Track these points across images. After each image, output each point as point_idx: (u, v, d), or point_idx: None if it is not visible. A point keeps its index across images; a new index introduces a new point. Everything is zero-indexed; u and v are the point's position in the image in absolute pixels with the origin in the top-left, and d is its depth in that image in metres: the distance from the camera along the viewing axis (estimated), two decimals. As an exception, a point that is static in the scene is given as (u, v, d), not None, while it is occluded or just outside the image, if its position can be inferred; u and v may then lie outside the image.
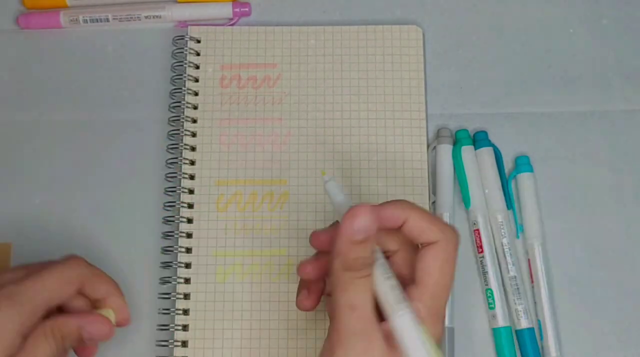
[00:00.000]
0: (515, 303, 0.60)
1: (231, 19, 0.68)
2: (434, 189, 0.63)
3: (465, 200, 0.62)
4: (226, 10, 0.68)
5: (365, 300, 0.47)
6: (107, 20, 0.68)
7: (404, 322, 0.47)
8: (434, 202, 0.62)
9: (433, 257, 0.48)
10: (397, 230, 0.50)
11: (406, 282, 0.49)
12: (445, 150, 0.63)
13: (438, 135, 0.64)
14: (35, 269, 0.52)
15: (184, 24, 0.68)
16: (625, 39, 0.67)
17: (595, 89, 0.66)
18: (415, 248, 0.51)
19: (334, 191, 0.51)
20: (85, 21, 0.68)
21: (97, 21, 0.68)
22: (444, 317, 0.49)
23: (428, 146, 0.64)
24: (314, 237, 0.53)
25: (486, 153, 0.63)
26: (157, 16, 0.68)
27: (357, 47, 0.67)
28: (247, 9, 0.68)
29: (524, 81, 0.66)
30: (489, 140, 0.64)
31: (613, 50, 0.67)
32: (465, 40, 0.68)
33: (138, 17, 0.68)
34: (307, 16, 0.69)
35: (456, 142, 0.64)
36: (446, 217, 0.61)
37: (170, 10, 0.68)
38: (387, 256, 0.51)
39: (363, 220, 0.47)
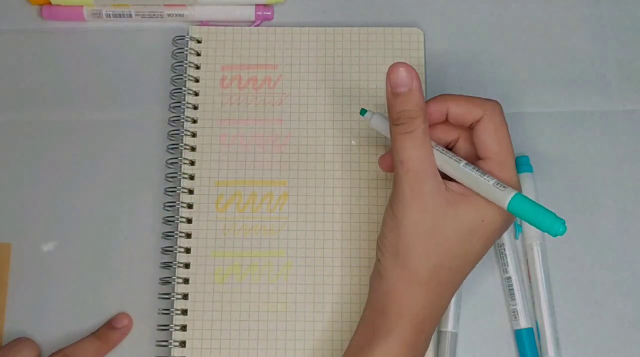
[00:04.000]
0: (509, 304, 0.60)
1: (253, 22, 0.68)
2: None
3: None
4: (249, 13, 0.68)
5: (412, 156, 0.51)
6: (130, 16, 0.68)
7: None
8: None
9: (483, 131, 0.53)
10: (448, 121, 0.55)
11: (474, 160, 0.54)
12: None
13: None
14: None
15: (206, 23, 0.68)
16: (625, 39, 0.67)
17: (595, 89, 0.66)
18: (469, 131, 0.55)
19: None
20: (108, 15, 0.68)
21: (120, 16, 0.68)
22: (514, 170, 0.53)
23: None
24: (380, 160, 0.60)
25: None
26: (179, 15, 0.68)
27: (358, 49, 0.67)
28: (269, 13, 0.68)
29: (524, 81, 0.66)
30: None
31: (613, 50, 0.67)
32: (465, 41, 0.68)
33: (160, 15, 0.68)
34: (307, 17, 0.69)
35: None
36: None
37: (192, 9, 0.68)
38: (451, 147, 0.57)
39: (402, 72, 0.52)
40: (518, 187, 0.52)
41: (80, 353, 0.59)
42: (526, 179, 0.63)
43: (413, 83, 0.52)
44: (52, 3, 0.68)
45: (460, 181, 0.52)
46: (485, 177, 0.51)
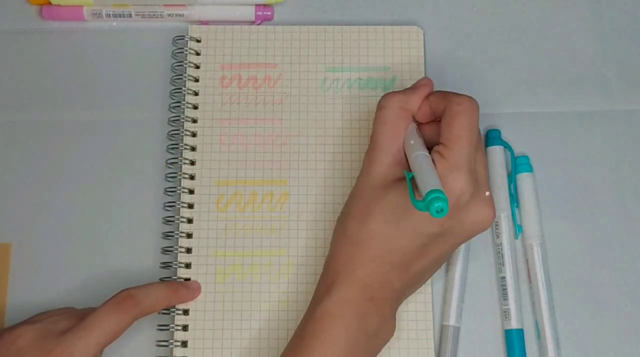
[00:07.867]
0: (502, 304, 0.60)
1: (253, 22, 0.68)
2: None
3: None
4: (249, 13, 0.68)
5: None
6: (130, 16, 0.68)
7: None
8: None
9: (442, 119, 0.55)
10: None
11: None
12: None
13: None
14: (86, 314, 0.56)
15: (206, 23, 0.68)
16: (625, 39, 0.67)
17: (595, 89, 0.66)
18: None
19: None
20: (108, 15, 0.68)
21: (120, 16, 0.68)
22: (467, 170, 0.53)
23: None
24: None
25: (496, 151, 0.63)
26: (179, 14, 0.68)
27: (357, 48, 0.67)
28: (269, 13, 0.68)
29: (524, 81, 0.67)
30: (502, 139, 0.64)
31: (613, 50, 0.67)
32: (465, 40, 0.68)
33: (161, 15, 0.68)
34: (307, 17, 0.69)
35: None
36: None
37: (192, 9, 0.68)
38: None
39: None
40: (463, 172, 0.53)
41: (150, 295, 0.57)
42: (526, 179, 0.63)
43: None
44: (52, 3, 0.68)
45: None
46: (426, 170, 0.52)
